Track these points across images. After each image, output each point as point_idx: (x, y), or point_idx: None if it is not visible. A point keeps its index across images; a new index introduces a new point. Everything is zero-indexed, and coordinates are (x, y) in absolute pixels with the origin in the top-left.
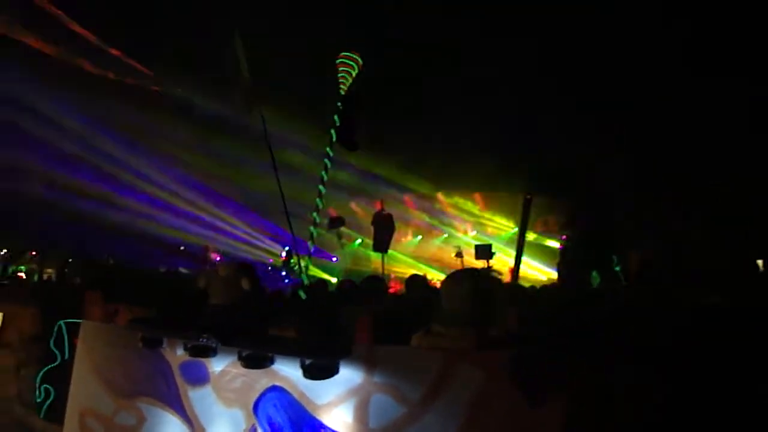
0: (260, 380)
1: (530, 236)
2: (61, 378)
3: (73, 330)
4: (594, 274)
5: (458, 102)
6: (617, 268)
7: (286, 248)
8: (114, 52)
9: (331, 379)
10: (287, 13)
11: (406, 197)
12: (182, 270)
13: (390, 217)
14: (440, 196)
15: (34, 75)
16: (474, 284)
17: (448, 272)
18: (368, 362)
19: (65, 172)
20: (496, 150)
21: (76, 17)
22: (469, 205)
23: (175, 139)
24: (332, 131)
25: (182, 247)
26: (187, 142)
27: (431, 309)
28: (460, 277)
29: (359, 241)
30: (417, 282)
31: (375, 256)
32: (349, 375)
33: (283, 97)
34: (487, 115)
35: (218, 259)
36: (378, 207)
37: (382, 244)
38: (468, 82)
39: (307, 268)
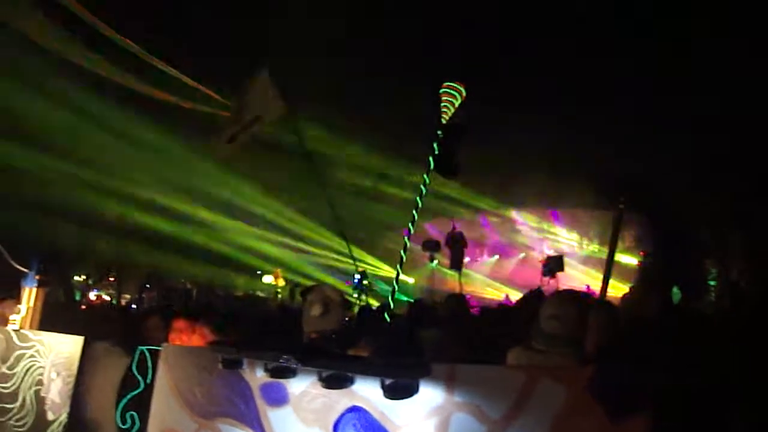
0: (340, 401)
1: (597, 250)
2: (145, 404)
3: (154, 355)
4: (675, 289)
5: (534, 112)
6: (712, 283)
7: (358, 273)
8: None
9: (412, 399)
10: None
11: (480, 217)
12: (259, 293)
13: (461, 234)
14: (514, 214)
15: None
16: (578, 306)
17: (526, 292)
18: (449, 381)
19: (143, 194)
20: (572, 163)
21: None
22: (543, 223)
23: (254, 161)
24: (430, 159)
25: (258, 272)
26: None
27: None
28: (563, 299)
29: (436, 261)
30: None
31: (451, 277)
32: (429, 394)
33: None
34: (564, 126)
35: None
36: (452, 226)
37: (457, 263)
38: (546, 92)
39: (394, 291)
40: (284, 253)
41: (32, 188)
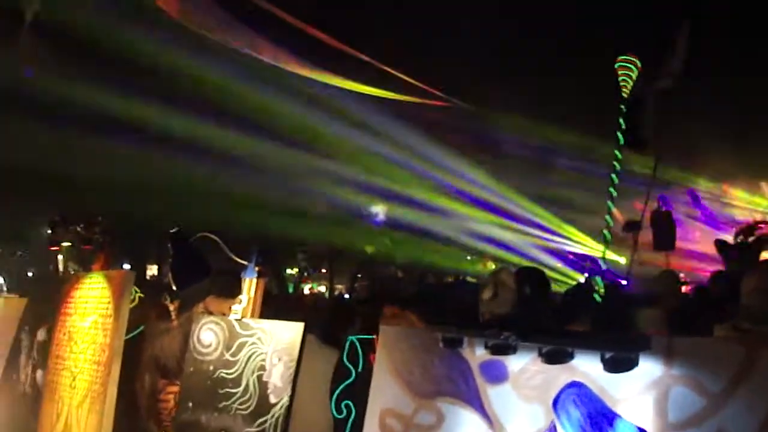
0: (560, 376)
1: None
2: (358, 393)
3: (364, 345)
4: None
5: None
6: None
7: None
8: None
9: (630, 373)
10: None
11: (688, 192)
12: (469, 279)
13: (669, 214)
14: (726, 188)
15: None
16: None
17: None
18: (667, 354)
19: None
20: None
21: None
22: (755, 196)
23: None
24: (618, 134)
25: (468, 257)
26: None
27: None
28: (764, 271)
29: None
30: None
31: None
32: (647, 368)
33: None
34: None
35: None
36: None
37: (665, 243)
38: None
39: (601, 270)
40: (508, 235)
41: (252, 182)
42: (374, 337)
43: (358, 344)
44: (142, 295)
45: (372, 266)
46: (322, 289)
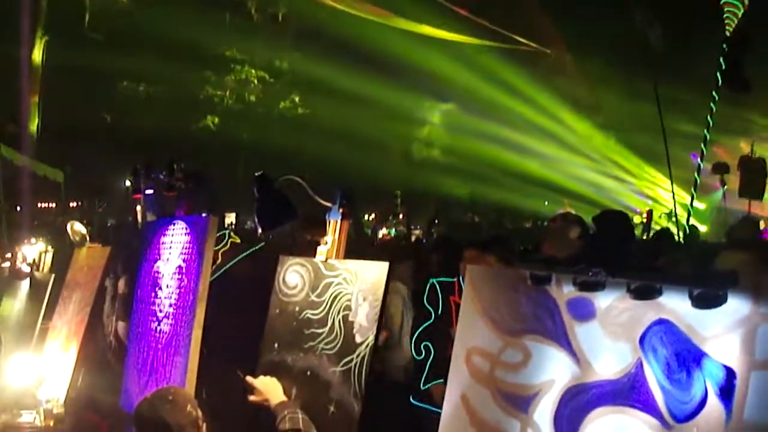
0: (647, 313)
1: None
2: (437, 335)
3: (444, 287)
4: None
5: None
6: None
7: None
8: None
9: (718, 310)
10: None
11: None
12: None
13: (762, 161)
14: None
15: None
16: None
17: None
18: (755, 292)
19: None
20: None
21: None
22: None
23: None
24: (717, 74)
25: (546, 202)
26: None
27: None
28: None
29: (725, 186)
30: None
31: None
32: (736, 305)
33: None
34: None
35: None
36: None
37: (752, 190)
38: None
39: (689, 215)
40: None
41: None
42: (454, 279)
43: (438, 286)
44: (237, 240)
45: (449, 211)
46: (393, 232)
